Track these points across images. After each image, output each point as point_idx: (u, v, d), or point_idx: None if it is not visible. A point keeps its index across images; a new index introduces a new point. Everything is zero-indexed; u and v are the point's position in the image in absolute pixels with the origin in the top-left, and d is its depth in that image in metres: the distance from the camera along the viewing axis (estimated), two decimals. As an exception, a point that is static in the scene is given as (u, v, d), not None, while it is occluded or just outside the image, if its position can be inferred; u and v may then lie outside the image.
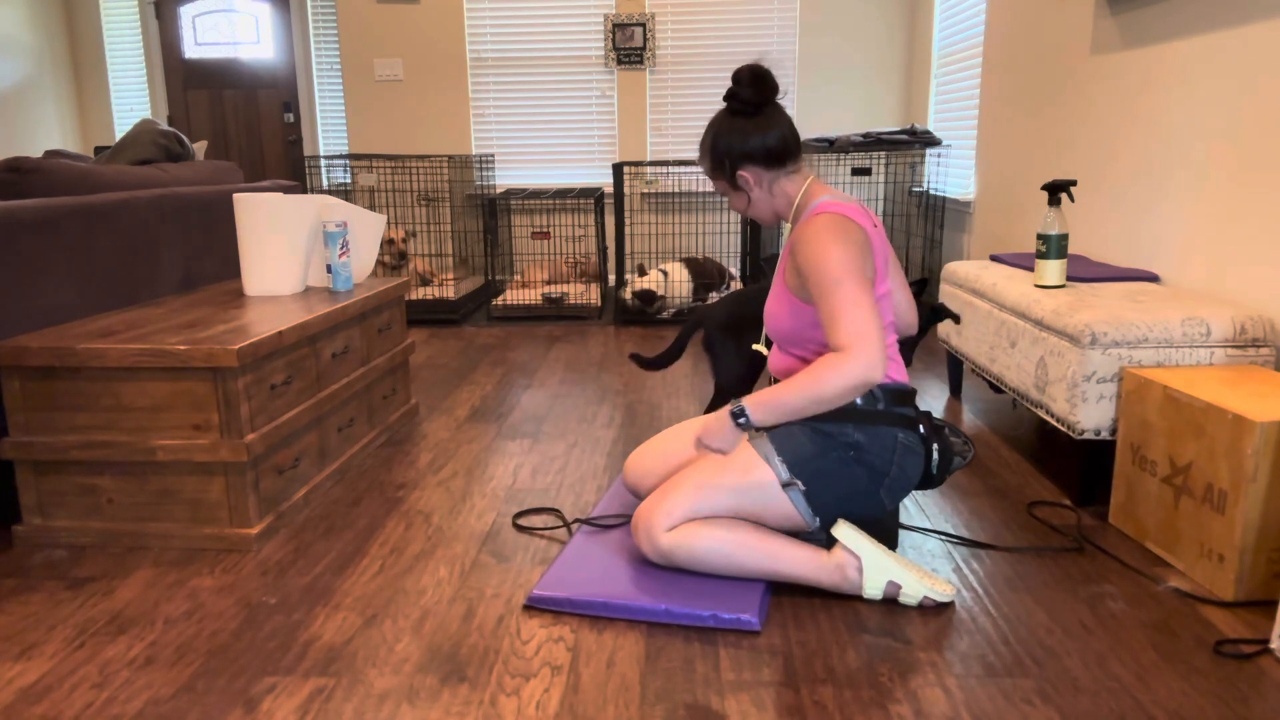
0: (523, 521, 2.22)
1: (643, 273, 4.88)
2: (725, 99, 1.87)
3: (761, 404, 1.74)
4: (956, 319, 2.33)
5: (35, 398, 2.07)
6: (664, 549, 1.81)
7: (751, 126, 1.83)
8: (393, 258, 4.78)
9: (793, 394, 1.70)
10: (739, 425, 1.77)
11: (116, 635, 1.72)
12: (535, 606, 1.80)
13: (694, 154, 5.71)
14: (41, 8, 5.98)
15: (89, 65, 6.27)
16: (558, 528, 2.18)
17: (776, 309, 1.89)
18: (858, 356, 1.65)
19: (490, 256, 5.28)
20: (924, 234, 5.01)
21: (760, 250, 5.22)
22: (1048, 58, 3.51)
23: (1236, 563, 1.77)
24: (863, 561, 1.77)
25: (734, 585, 1.80)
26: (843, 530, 1.80)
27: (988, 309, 2.75)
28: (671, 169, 5.65)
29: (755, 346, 2.09)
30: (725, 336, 2.41)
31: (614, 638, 1.69)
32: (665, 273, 4.87)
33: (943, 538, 2.11)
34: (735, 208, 1.94)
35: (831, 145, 4.75)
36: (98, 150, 3.51)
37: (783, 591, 1.84)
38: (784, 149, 1.84)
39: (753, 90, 1.83)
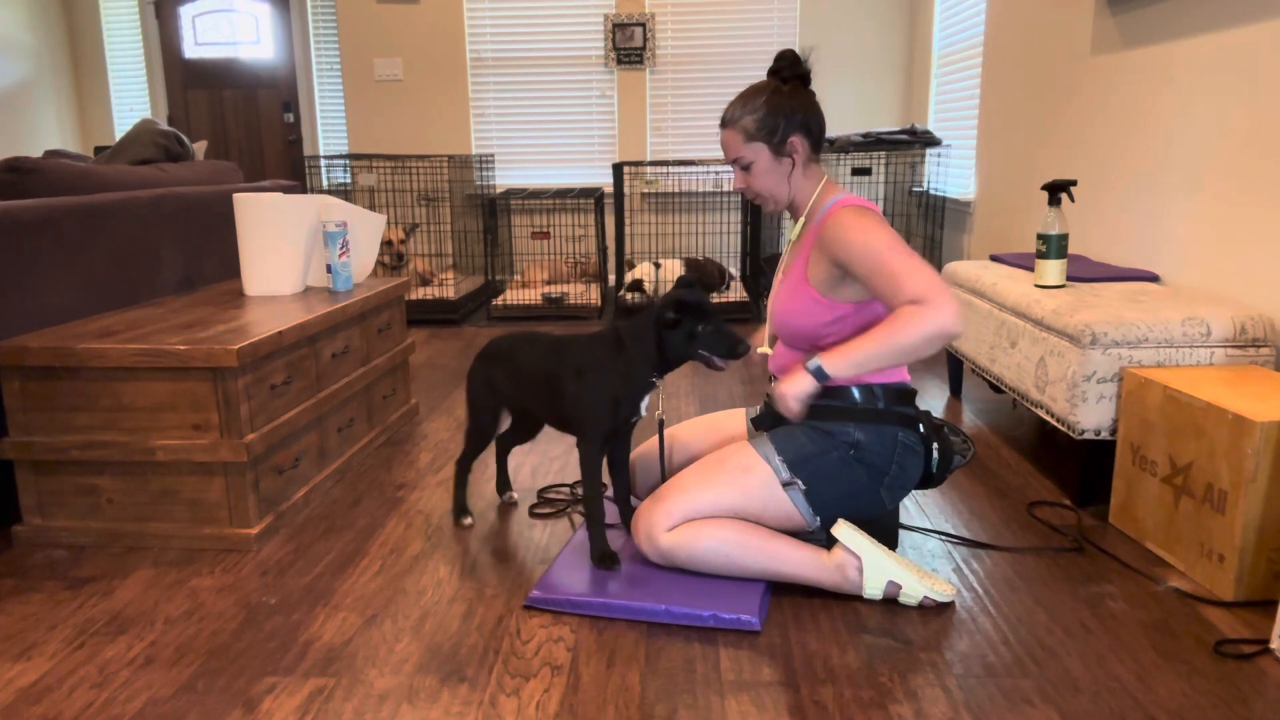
0: (538, 511, 2.23)
1: (630, 268, 4.88)
2: (778, 70, 1.84)
3: (839, 356, 1.70)
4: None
5: (35, 398, 2.07)
6: (664, 549, 1.81)
7: (810, 97, 1.84)
8: (391, 258, 4.78)
9: (876, 345, 1.66)
10: (817, 373, 1.72)
11: (116, 635, 1.72)
12: (535, 606, 1.80)
13: (694, 154, 5.70)
14: (41, 8, 5.98)
15: (89, 65, 6.27)
16: (569, 505, 2.19)
17: (795, 306, 1.84)
18: (939, 306, 1.62)
19: (490, 256, 5.28)
20: (924, 234, 5.01)
21: (760, 250, 5.23)
22: (1048, 58, 3.51)
23: (1236, 563, 1.77)
24: (863, 561, 1.77)
25: (734, 585, 1.80)
26: (843, 530, 1.79)
27: (988, 309, 2.75)
28: (671, 169, 5.65)
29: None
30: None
31: (614, 638, 1.69)
32: (658, 265, 4.87)
33: (943, 538, 2.11)
34: (747, 184, 1.86)
35: (831, 145, 4.75)
36: (98, 150, 3.52)
37: (783, 591, 1.84)
38: (823, 135, 1.87)
39: (799, 66, 1.83)
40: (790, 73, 1.83)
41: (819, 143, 1.86)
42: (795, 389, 1.73)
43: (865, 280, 1.73)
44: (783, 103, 1.80)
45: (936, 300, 1.63)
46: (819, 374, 1.72)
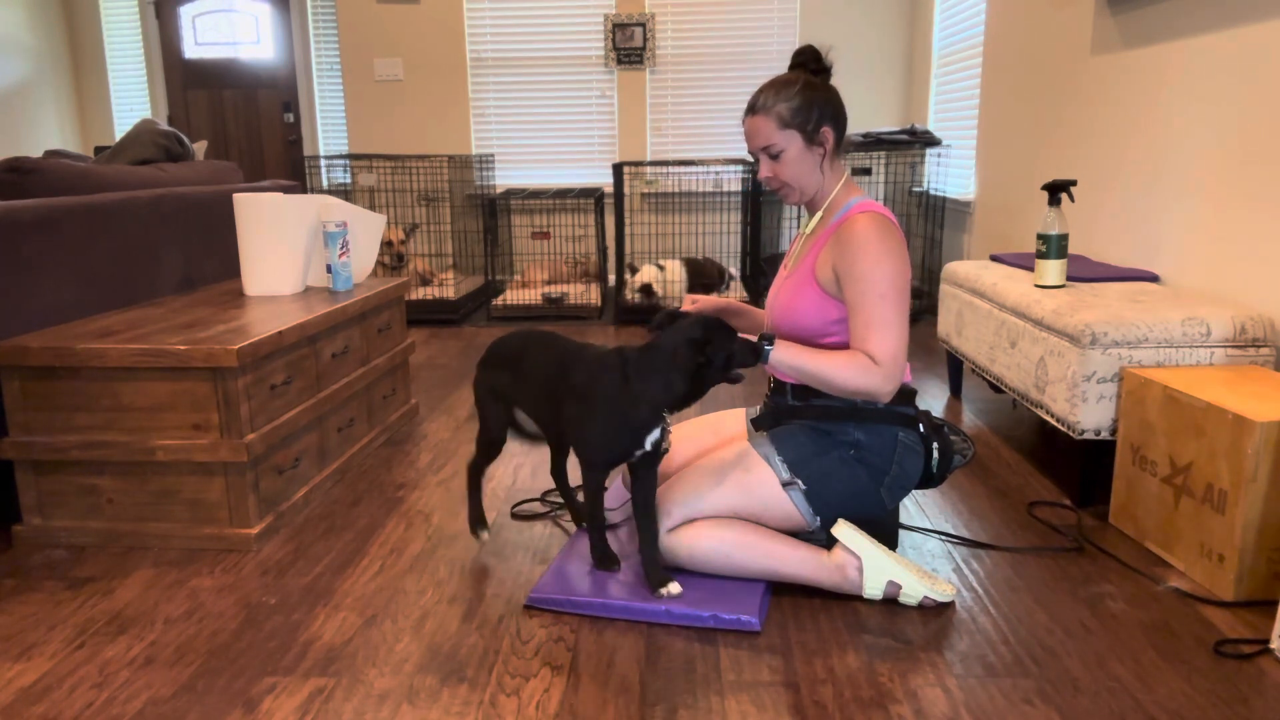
0: (521, 510, 2.23)
1: (633, 272, 4.89)
2: (803, 64, 1.83)
3: (787, 349, 1.75)
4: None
5: (35, 398, 2.07)
6: (664, 549, 1.81)
7: (836, 92, 1.83)
8: (391, 259, 4.78)
9: (816, 362, 1.73)
10: (762, 352, 1.74)
11: (116, 635, 1.72)
12: (535, 606, 1.80)
13: (694, 154, 5.71)
14: (41, 8, 5.98)
15: (89, 65, 6.27)
16: (557, 509, 2.18)
17: (799, 304, 1.83)
18: (887, 376, 1.72)
19: (490, 256, 5.28)
20: (924, 234, 5.01)
21: (760, 250, 5.22)
22: (1048, 58, 3.51)
23: (1236, 563, 1.77)
24: (863, 561, 1.77)
25: (734, 585, 1.80)
26: (843, 530, 1.79)
27: (988, 309, 2.75)
28: (671, 169, 5.65)
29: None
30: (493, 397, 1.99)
31: (614, 638, 1.69)
32: (662, 267, 4.87)
33: (943, 538, 2.11)
34: (775, 172, 1.83)
35: (831, 145, 4.73)
36: (98, 150, 3.52)
37: (783, 591, 1.84)
38: (846, 130, 1.86)
39: (823, 61, 1.84)
40: (816, 67, 1.83)
41: (843, 138, 1.85)
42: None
43: (847, 302, 1.76)
44: (816, 93, 1.80)
45: (887, 371, 1.72)
46: (763, 355, 1.75)
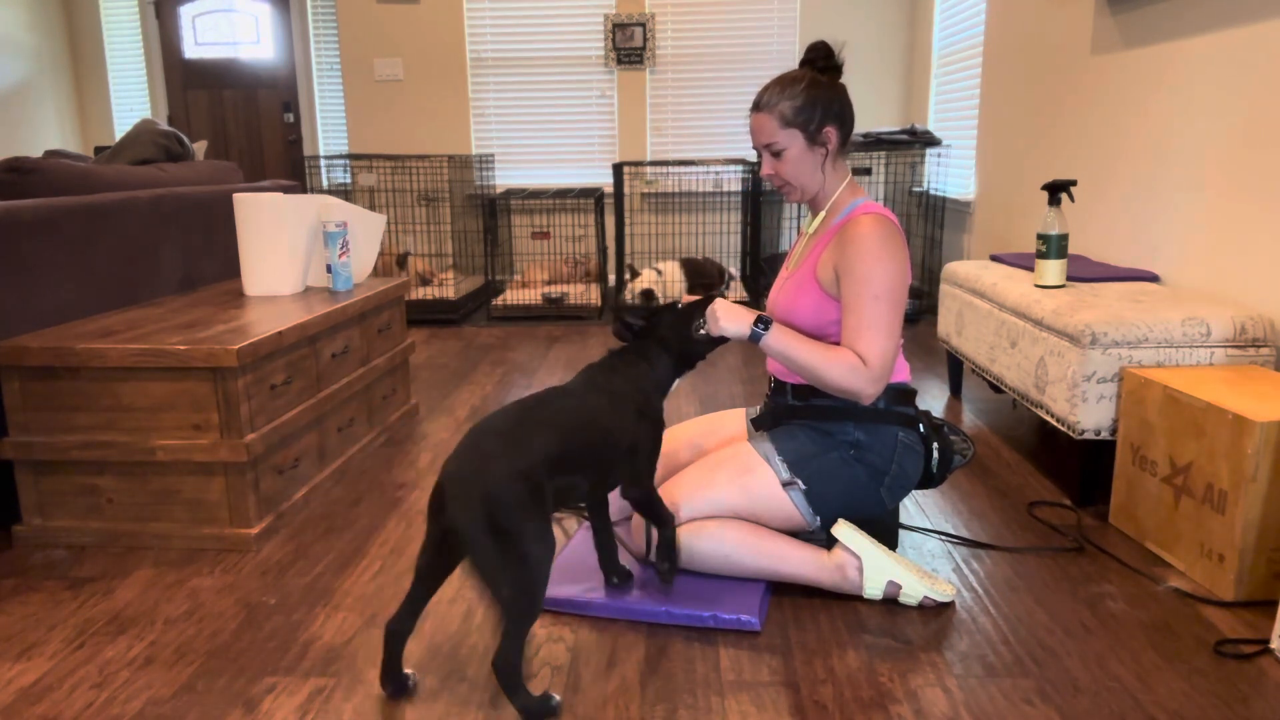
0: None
1: (633, 275, 4.89)
2: (812, 61, 1.82)
3: (781, 335, 1.76)
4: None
5: (35, 398, 2.07)
6: (664, 549, 1.81)
7: (844, 91, 1.82)
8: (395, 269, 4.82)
9: (807, 354, 1.75)
10: (754, 332, 1.75)
11: (116, 635, 1.72)
12: (535, 606, 1.80)
13: (694, 154, 5.70)
14: (41, 8, 5.98)
15: (89, 65, 6.27)
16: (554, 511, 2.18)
17: (801, 302, 1.83)
18: (872, 379, 1.73)
19: (490, 256, 5.28)
20: (924, 234, 5.01)
21: (760, 250, 5.23)
22: (1048, 58, 3.51)
23: (1236, 563, 1.77)
24: (863, 561, 1.77)
25: (734, 585, 1.80)
26: (843, 530, 1.79)
27: (988, 309, 2.75)
28: (671, 169, 5.65)
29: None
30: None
31: (614, 638, 1.69)
32: (660, 271, 4.88)
33: (943, 538, 2.11)
34: (776, 170, 1.83)
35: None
36: (98, 150, 3.52)
37: (783, 591, 1.84)
38: (852, 131, 1.85)
39: (833, 59, 1.82)
40: (825, 64, 1.82)
41: (848, 138, 1.84)
42: (731, 323, 1.75)
43: (843, 300, 1.76)
44: (821, 92, 1.78)
45: (873, 373, 1.72)
46: (755, 336, 1.76)
